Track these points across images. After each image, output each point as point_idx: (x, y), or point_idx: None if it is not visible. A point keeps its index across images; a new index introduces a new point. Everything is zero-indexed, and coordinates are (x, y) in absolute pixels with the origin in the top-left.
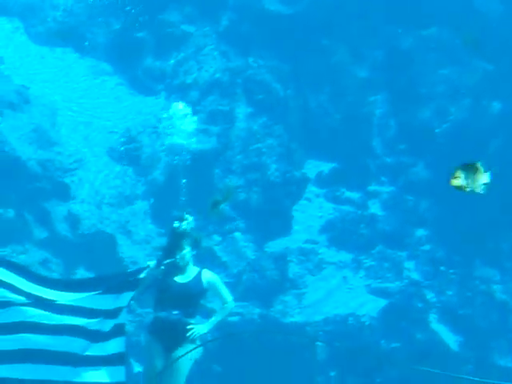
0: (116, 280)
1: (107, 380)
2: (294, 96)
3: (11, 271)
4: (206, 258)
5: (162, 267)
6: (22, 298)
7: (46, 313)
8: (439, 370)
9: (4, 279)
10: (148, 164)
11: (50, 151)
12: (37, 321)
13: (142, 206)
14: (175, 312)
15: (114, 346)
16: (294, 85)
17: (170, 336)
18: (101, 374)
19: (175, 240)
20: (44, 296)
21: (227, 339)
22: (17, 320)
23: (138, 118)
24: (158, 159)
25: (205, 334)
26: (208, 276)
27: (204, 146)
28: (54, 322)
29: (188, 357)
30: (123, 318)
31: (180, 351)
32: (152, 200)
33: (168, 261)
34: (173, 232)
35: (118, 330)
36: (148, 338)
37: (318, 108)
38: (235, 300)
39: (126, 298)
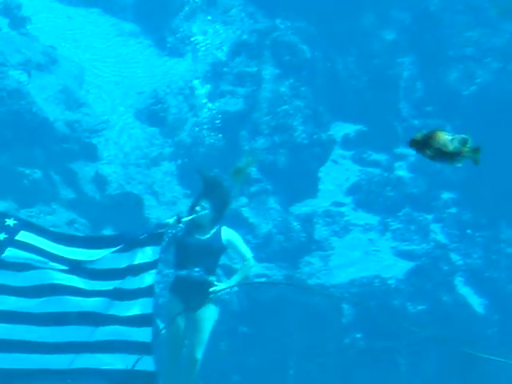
0: (138, 236)
1: (134, 340)
2: (321, 58)
3: (34, 233)
4: (232, 220)
5: (182, 225)
6: (45, 260)
7: (73, 275)
8: (464, 333)
9: (28, 241)
10: (175, 125)
11: (78, 112)
12: (63, 283)
13: (168, 167)
14: (195, 269)
15: (141, 307)
16: (321, 47)
17: (191, 294)
18: (128, 334)
19: (198, 197)
20: (68, 256)
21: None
22: (43, 283)
23: (165, 79)
24: (184, 121)
25: (226, 290)
26: (227, 233)
27: (231, 107)
28: (80, 284)
29: (210, 316)
30: (151, 278)
31: (201, 310)
32: (179, 161)
33: (188, 218)
34: (198, 190)
35: (146, 291)
36: (169, 297)
37: (345, 70)
38: (261, 261)
39: (150, 253)
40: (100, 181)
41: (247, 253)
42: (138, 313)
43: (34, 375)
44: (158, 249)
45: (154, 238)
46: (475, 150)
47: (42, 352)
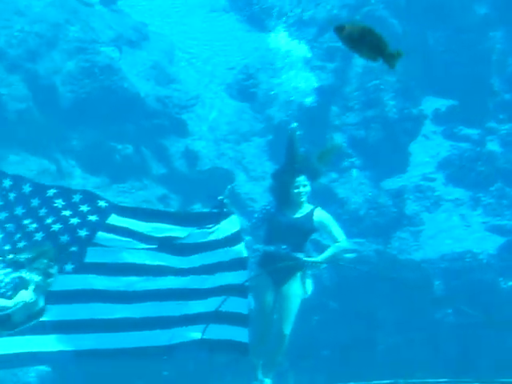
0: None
1: (230, 311)
2: (411, 32)
3: (124, 216)
4: (322, 195)
5: (276, 202)
6: (136, 242)
7: (165, 253)
8: None
9: (118, 224)
10: (265, 101)
11: (168, 88)
12: (156, 263)
13: (259, 142)
14: (284, 246)
15: (235, 279)
16: (412, 21)
17: (279, 270)
18: (225, 304)
19: (290, 176)
20: (159, 235)
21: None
22: (136, 262)
23: (255, 55)
24: (275, 96)
25: (314, 268)
26: (320, 215)
27: (321, 82)
28: (172, 261)
29: (298, 292)
30: (243, 250)
31: (289, 286)
32: (269, 137)
33: (283, 196)
34: (291, 166)
35: (239, 263)
36: (257, 272)
37: (437, 45)
38: (352, 237)
39: (235, 224)
40: (190, 156)
41: (339, 235)
42: (233, 283)
43: (130, 353)
44: (237, 220)
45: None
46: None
47: (139, 329)
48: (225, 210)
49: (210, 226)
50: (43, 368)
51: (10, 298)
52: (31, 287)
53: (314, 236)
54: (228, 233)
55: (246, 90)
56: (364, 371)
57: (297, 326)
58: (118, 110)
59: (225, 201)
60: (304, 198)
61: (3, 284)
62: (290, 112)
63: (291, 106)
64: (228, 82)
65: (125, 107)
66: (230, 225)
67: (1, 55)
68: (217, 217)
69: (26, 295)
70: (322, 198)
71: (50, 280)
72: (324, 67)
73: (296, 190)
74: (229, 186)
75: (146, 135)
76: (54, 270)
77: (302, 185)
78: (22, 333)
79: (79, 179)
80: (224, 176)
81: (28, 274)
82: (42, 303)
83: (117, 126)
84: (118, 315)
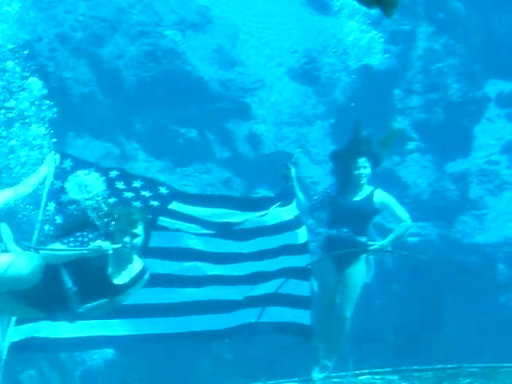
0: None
1: (292, 293)
2: (475, 15)
3: (185, 202)
4: (385, 179)
5: (336, 186)
6: (197, 227)
7: (227, 239)
8: None
9: (179, 210)
10: (328, 84)
11: (232, 71)
12: (217, 248)
13: (321, 125)
14: (345, 230)
15: (297, 262)
16: (475, 3)
17: (342, 253)
18: (287, 287)
19: (351, 158)
20: (220, 220)
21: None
22: (197, 248)
23: (318, 38)
24: (338, 79)
25: (378, 251)
26: (381, 196)
27: (384, 65)
28: (234, 246)
29: (360, 275)
30: (304, 234)
31: (352, 269)
32: (332, 120)
33: (343, 178)
34: (353, 148)
35: (300, 247)
36: (321, 255)
37: (501, 27)
38: (415, 220)
39: (293, 210)
40: (254, 140)
41: (403, 215)
42: (294, 266)
43: (192, 337)
44: (295, 205)
45: (289, 197)
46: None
47: (201, 313)
48: (285, 193)
49: (270, 210)
50: (107, 351)
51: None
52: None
53: (377, 219)
54: (288, 217)
55: (308, 74)
56: (429, 355)
57: (359, 310)
58: (182, 94)
59: (289, 184)
60: (364, 180)
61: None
62: (352, 95)
63: (354, 89)
64: (291, 65)
65: (188, 91)
66: (291, 209)
67: (65, 39)
68: (277, 202)
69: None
70: (385, 181)
71: (136, 240)
72: (388, 50)
73: (356, 172)
74: (293, 158)
75: (210, 119)
76: (139, 231)
77: (363, 166)
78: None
79: (143, 163)
80: (286, 159)
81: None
82: (140, 263)
83: (180, 110)
84: (180, 299)
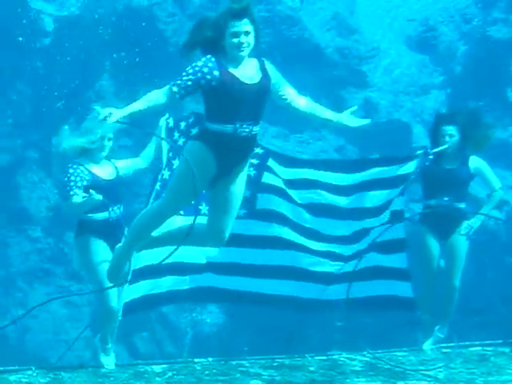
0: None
1: (388, 265)
2: None
3: (279, 162)
4: (497, 151)
5: (431, 156)
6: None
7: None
8: None
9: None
10: (446, 54)
11: (348, 39)
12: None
13: (437, 95)
14: (445, 198)
15: (393, 233)
16: None
17: (443, 223)
18: (381, 259)
19: (440, 124)
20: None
21: None
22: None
23: (436, 7)
24: (455, 49)
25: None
26: (475, 161)
27: (502, 35)
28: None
29: (463, 243)
30: (401, 203)
31: (454, 238)
32: (449, 90)
33: (437, 149)
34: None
35: (396, 217)
36: (419, 228)
37: None
38: None
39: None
40: (369, 108)
41: (496, 184)
42: (391, 238)
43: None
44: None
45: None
46: None
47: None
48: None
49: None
50: (219, 315)
51: None
52: None
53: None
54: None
55: (426, 42)
56: None
57: (469, 282)
58: (298, 61)
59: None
60: (455, 149)
61: None
62: (470, 65)
63: (470, 59)
64: (408, 33)
65: (304, 58)
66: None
67: (183, 4)
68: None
69: None
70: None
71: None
72: (506, 20)
73: (442, 139)
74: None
75: (325, 86)
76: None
77: (448, 135)
78: (198, 271)
79: None
80: (401, 128)
81: None
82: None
83: (296, 76)
84: (289, 263)
